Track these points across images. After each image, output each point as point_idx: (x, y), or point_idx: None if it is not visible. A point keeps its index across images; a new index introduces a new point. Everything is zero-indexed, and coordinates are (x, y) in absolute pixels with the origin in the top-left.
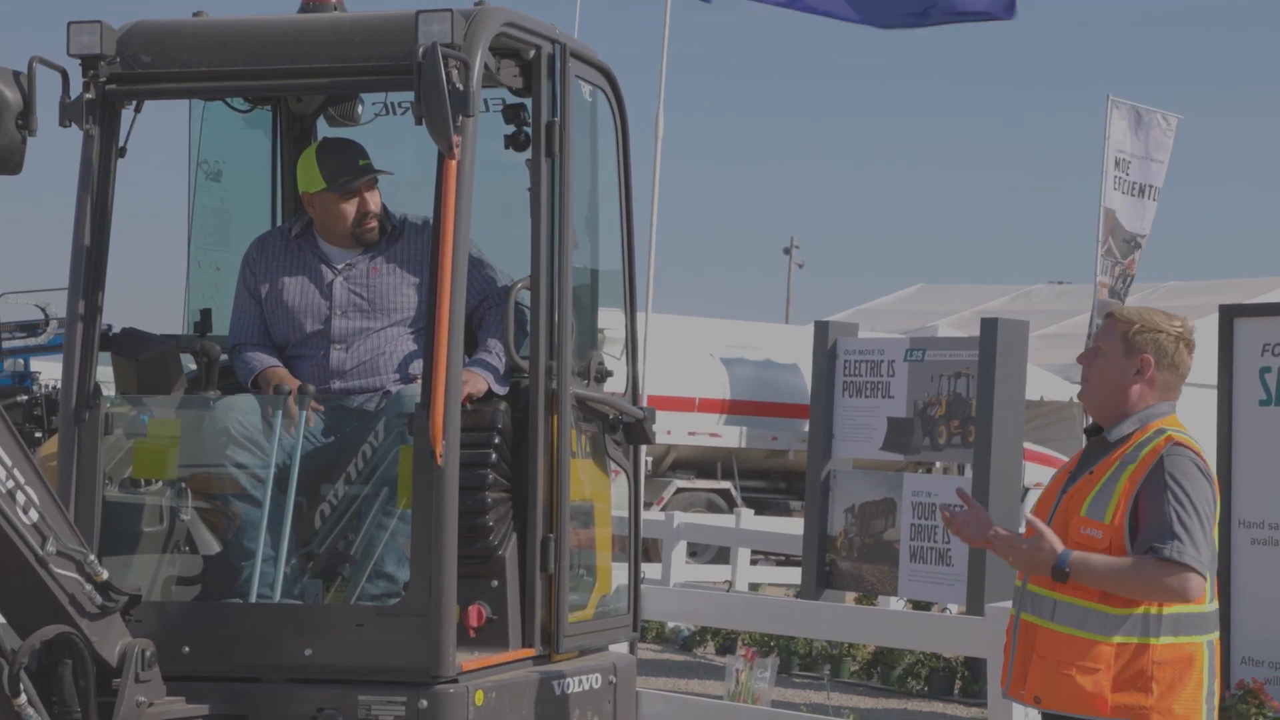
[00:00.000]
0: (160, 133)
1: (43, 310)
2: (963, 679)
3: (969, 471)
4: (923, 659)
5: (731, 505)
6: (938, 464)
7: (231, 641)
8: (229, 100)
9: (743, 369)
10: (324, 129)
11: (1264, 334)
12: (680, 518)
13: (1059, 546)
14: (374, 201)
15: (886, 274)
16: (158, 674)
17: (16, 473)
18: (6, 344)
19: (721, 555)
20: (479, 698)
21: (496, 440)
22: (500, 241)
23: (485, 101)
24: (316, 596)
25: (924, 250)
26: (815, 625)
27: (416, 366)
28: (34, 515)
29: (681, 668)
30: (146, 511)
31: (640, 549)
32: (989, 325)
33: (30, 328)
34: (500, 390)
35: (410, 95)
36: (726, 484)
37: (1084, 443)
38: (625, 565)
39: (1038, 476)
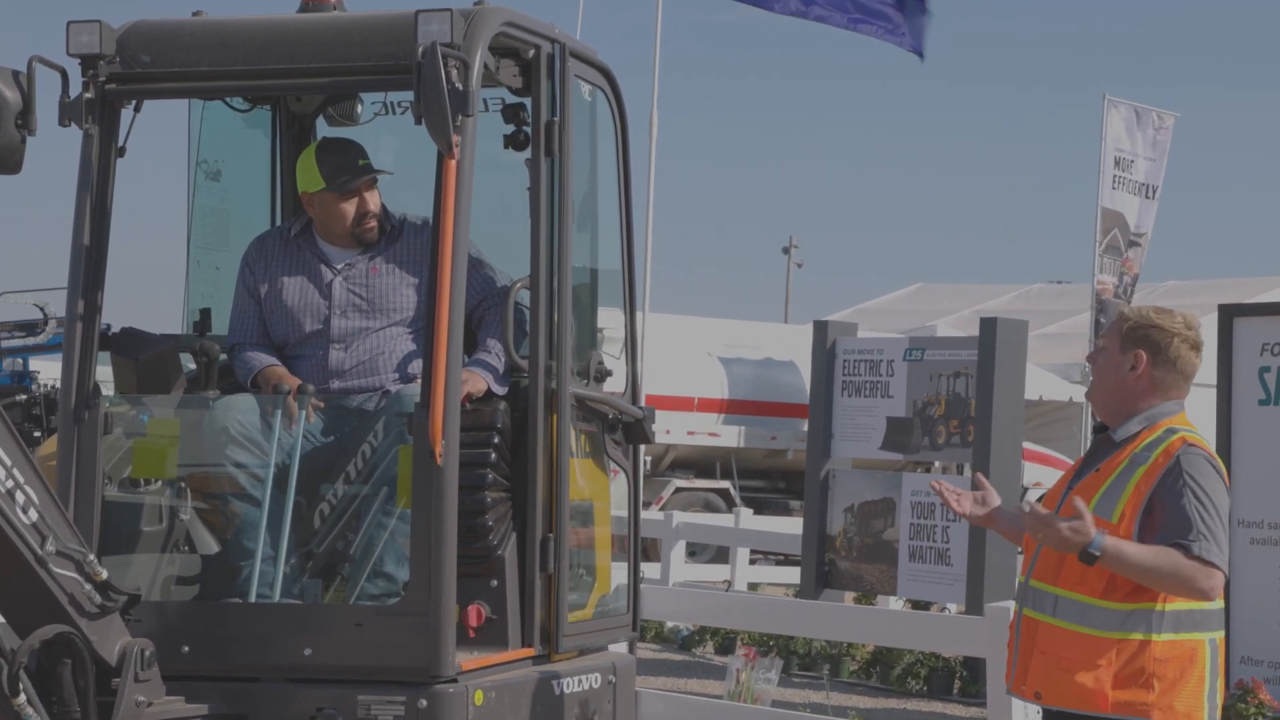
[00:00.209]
0: (159, 132)
1: (42, 310)
2: (962, 679)
3: (968, 471)
4: (922, 659)
5: (730, 505)
6: (937, 463)
7: (231, 641)
8: (228, 100)
9: (742, 368)
10: (323, 128)
11: (1263, 333)
12: (679, 517)
13: (1093, 531)
14: (373, 201)
15: (885, 273)
16: (157, 673)
17: (16, 472)
18: (5, 343)
19: (721, 555)
20: (478, 697)
21: (496, 440)
22: (500, 241)
23: (485, 101)
24: (316, 596)
25: (923, 250)
26: (814, 625)
27: (416, 366)
28: (33, 515)
29: (681, 667)
30: (146, 511)
31: (639, 548)
32: (988, 325)
33: (29, 327)
34: (500, 390)
35: (410, 95)
36: (725, 484)
37: (1090, 441)
38: (624, 565)
39: (1037, 476)
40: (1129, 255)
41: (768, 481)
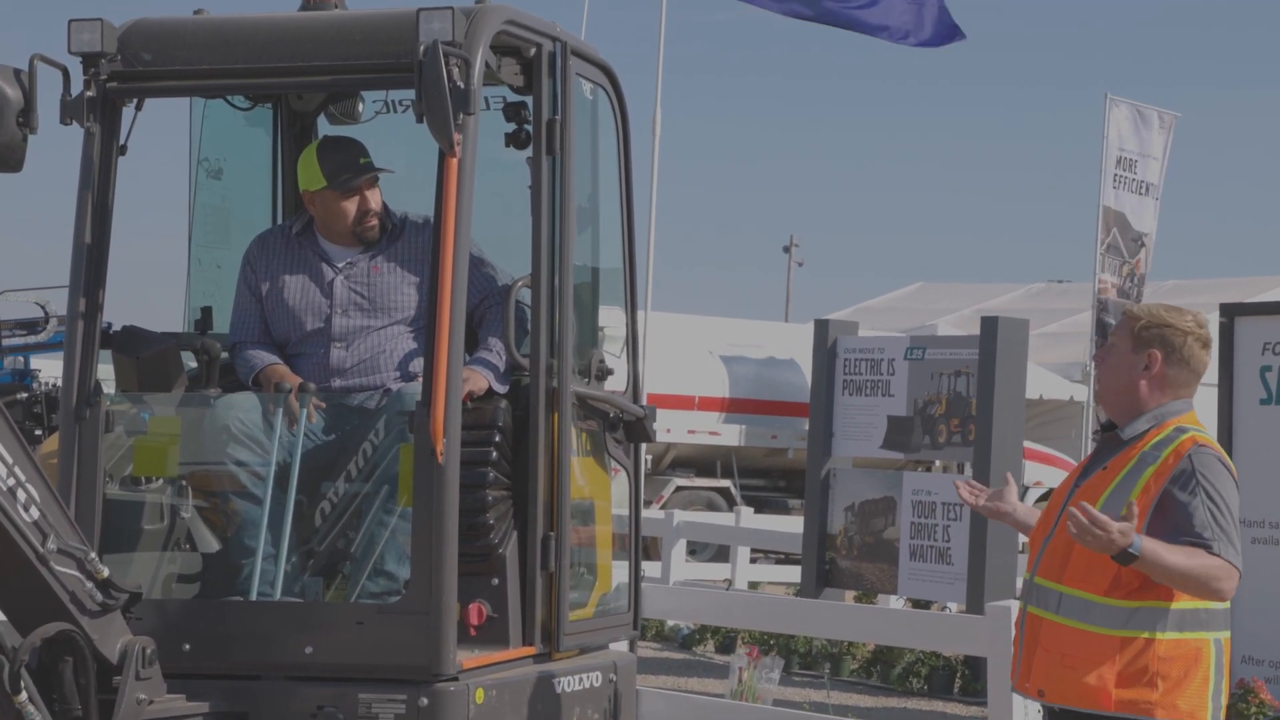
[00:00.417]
0: (161, 131)
1: (43, 308)
2: (963, 678)
3: (969, 470)
4: (922, 658)
5: (731, 504)
6: (937, 462)
7: (232, 639)
8: (230, 98)
9: (742, 367)
10: (324, 127)
11: (1264, 333)
12: (680, 516)
13: (1133, 534)
14: (375, 200)
15: (886, 272)
16: (158, 672)
17: (17, 470)
18: (6, 341)
19: (721, 553)
20: (479, 696)
21: (497, 438)
22: (501, 240)
23: (486, 99)
24: (317, 594)
25: (924, 248)
26: (815, 624)
27: (417, 365)
28: (35, 513)
29: (681, 666)
30: (147, 509)
31: (640, 547)
32: (989, 324)
33: (30, 325)
34: (501, 388)
35: (411, 93)
36: (726, 482)
37: (1093, 442)
38: (625, 563)
39: (1038, 475)
40: (1139, 256)
41: (768, 480)
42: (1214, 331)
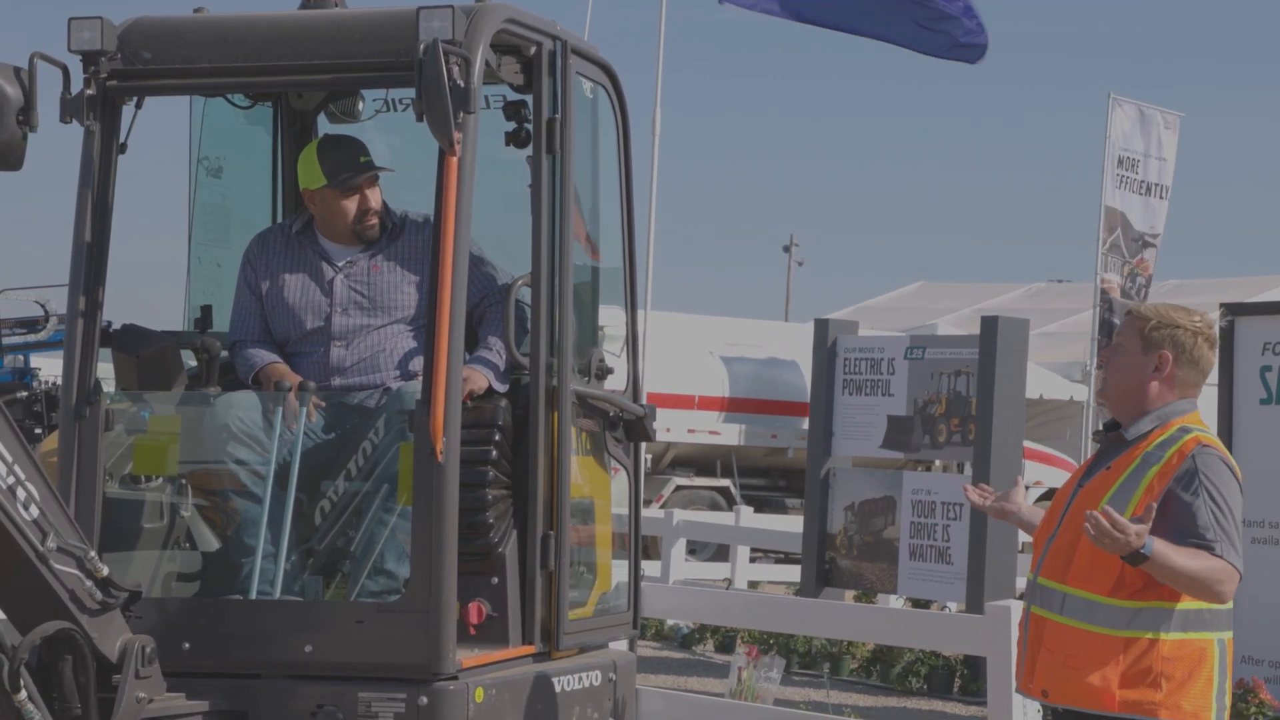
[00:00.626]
0: (161, 129)
1: (43, 306)
2: (962, 677)
3: (969, 470)
4: (922, 657)
5: (731, 503)
6: (937, 462)
7: (232, 638)
8: (230, 96)
9: (742, 367)
10: (325, 125)
11: (1265, 333)
12: (680, 515)
13: (1147, 535)
14: (375, 198)
15: (886, 272)
16: (158, 670)
17: (17, 469)
18: (6, 340)
19: (721, 553)
20: (479, 695)
21: (497, 437)
22: (501, 239)
23: (486, 98)
24: (316, 593)
25: (924, 248)
26: (815, 623)
27: (417, 363)
28: (34, 511)
29: (681, 665)
30: (147, 508)
31: (640, 546)
32: (989, 323)
33: (30, 324)
34: (501, 387)
35: (411, 92)
36: (726, 482)
37: (1093, 443)
38: (625, 562)
39: (1038, 475)
40: (1144, 256)
41: (768, 480)
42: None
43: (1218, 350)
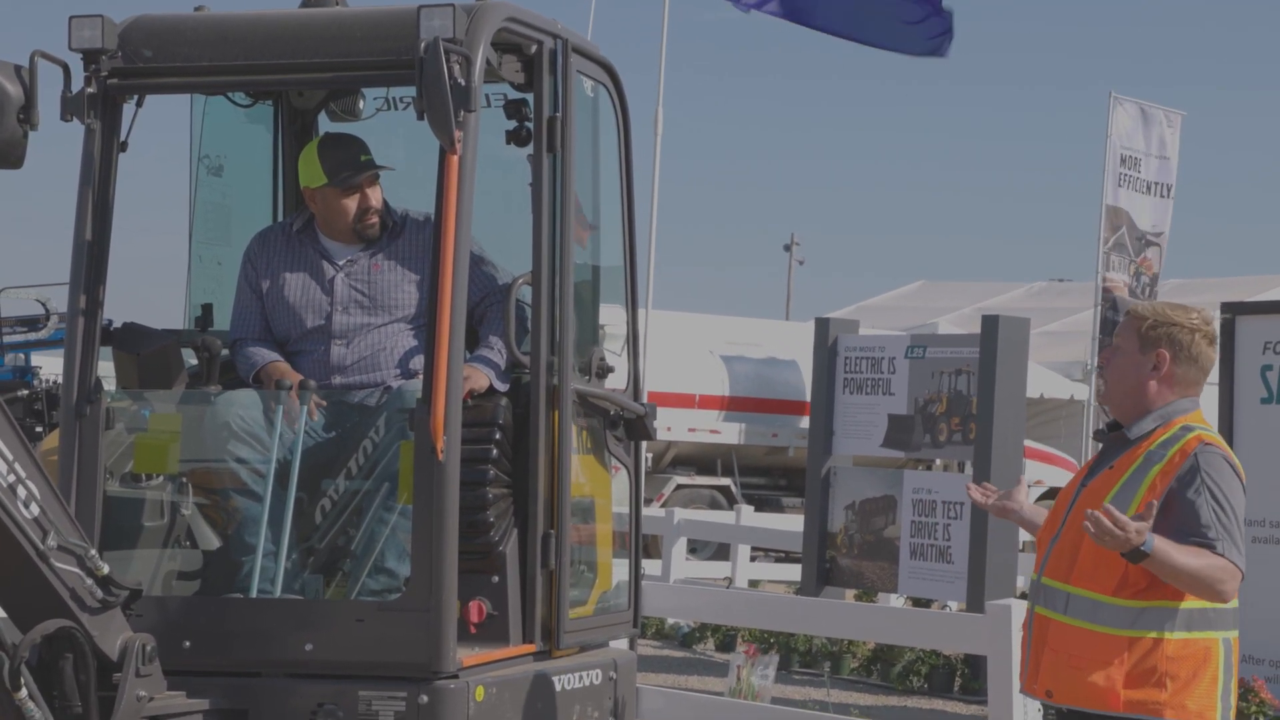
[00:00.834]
0: (161, 127)
1: (44, 305)
2: (963, 676)
3: (969, 469)
4: (923, 656)
5: (731, 502)
6: (938, 461)
7: (232, 636)
8: (230, 95)
9: (743, 366)
10: (325, 124)
11: (1265, 332)
12: (680, 514)
13: (1148, 532)
14: (375, 197)
15: (887, 271)
16: (158, 668)
17: (18, 467)
18: (7, 339)
19: (721, 552)
20: (479, 693)
21: (497, 436)
22: (502, 237)
23: (487, 97)
24: (317, 592)
25: (925, 247)
26: (815, 622)
27: (417, 362)
28: (35, 509)
29: (681, 664)
30: (147, 506)
31: (640, 545)
32: (990, 322)
33: (31, 322)
34: (501, 386)
35: (412, 90)
36: (727, 480)
37: (1093, 443)
38: (626, 561)
39: (1039, 474)
40: (1147, 255)
41: (769, 479)
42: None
43: (1218, 347)
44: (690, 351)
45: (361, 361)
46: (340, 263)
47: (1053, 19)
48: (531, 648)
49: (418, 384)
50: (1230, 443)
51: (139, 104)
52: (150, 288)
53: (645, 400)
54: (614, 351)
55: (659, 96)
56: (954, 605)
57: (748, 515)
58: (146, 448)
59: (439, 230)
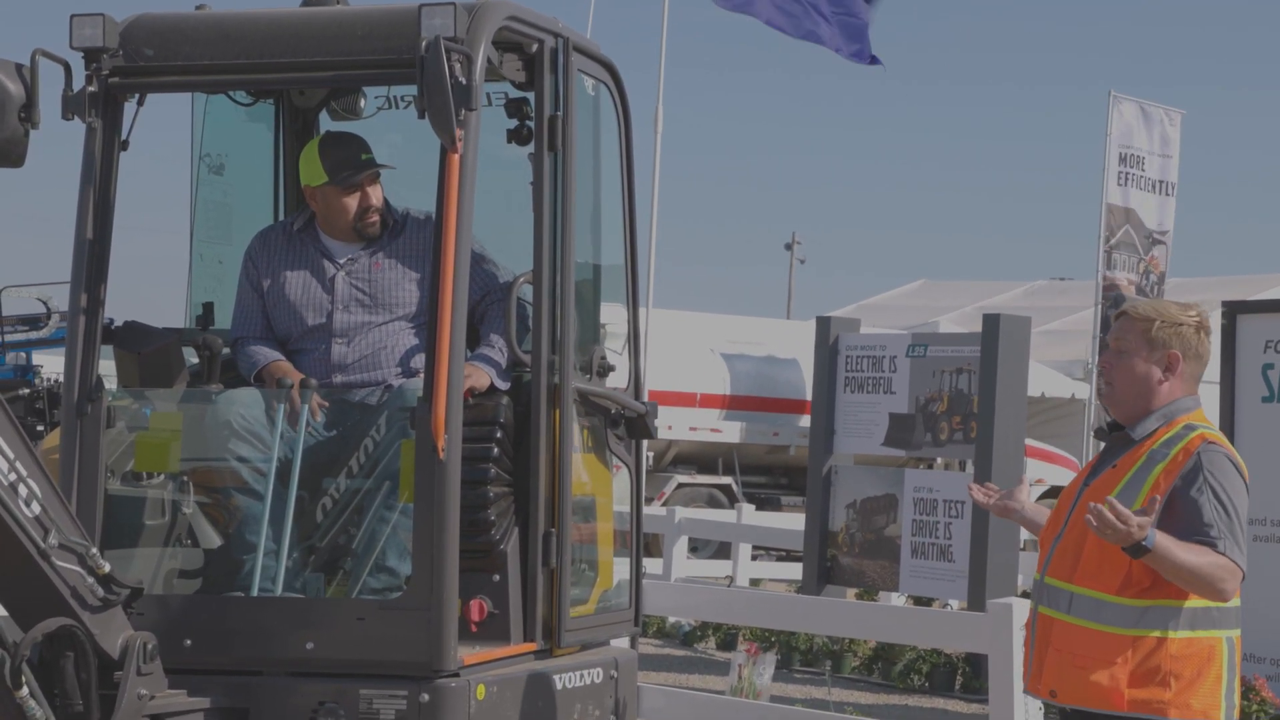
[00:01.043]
0: (162, 126)
1: (45, 304)
2: (964, 675)
3: (970, 467)
4: (924, 655)
5: (733, 501)
6: (939, 460)
7: (233, 635)
8: (231, 94)
9: (744, 364)
10: (326, 123)
11: (1267, 331)
12: (681, 513)
13: (1150, 528)
14: (376, 196)
15: (888, 269)
16: (159, 667)
17: (19, 465)
18: (9, 337)
19: (723, 550)
20: (480, 692)
21: (498, 434)
22: (502, 236)
23: (488, 96)
24: (318, 590)
25: (926, 246)
26: (816, 621)
27: (418, 361)
28: (36, 508)
29: (682, 663)
30: (148, 505)
31: (641, 544)
32: (991, 321)
33: (32, 321)
34: (502, 385)
35: (413, 89)
36: (728, 479)
37: (1094, 443)
38: (627, 560)
39: (1039, 473)
40: (1155, 253)
41: (770, 477)
42: (1215, 330)
43: (1219, 345)
44: (691, 350)
45: (362, 360)
46: (341, 261)
47: (1053, 18)
48: (532, 646)
49: (419, 382)
50: (1231, 442)
51: (140, 103)
52: (151, 286)
53: (646, 399)
54: (615, 350)
55: (659, 94)
56: (955, 604)
57: (749, 514)
58: (147, 446)
59: (440, 229)
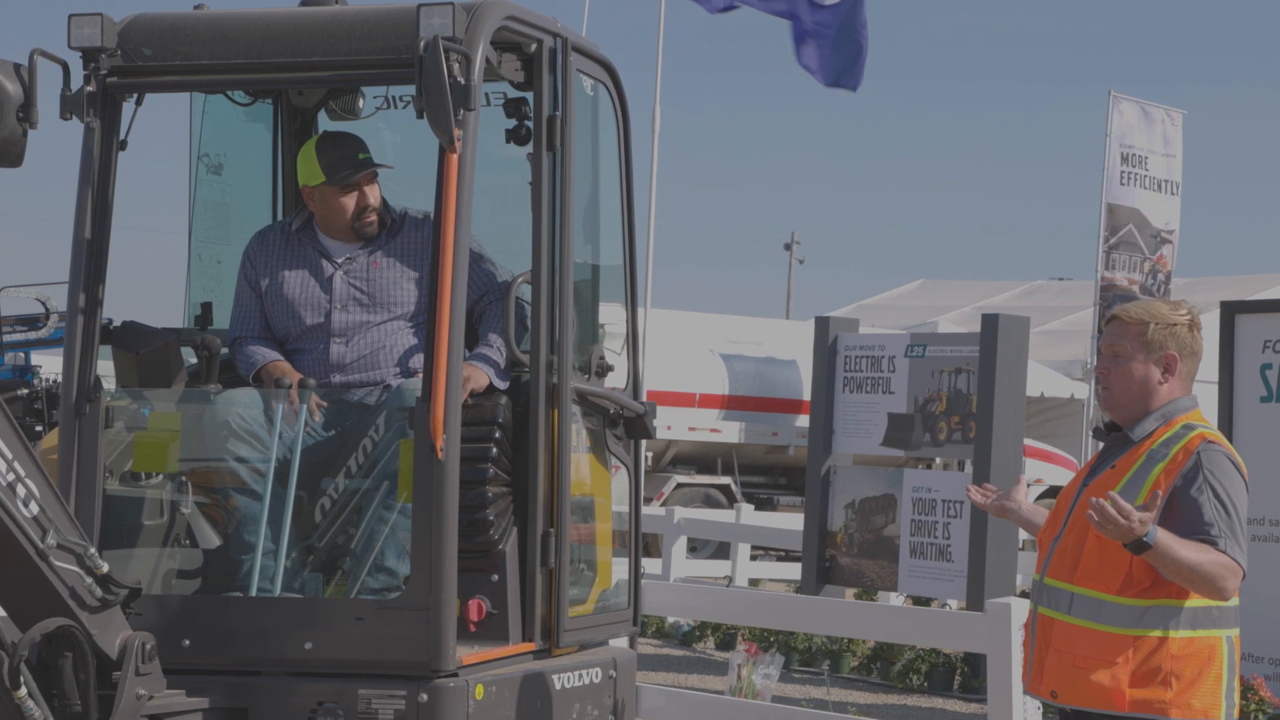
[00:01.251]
0: (161, 126)
1: (43, 304)
2: (962, 674)
3: (969, 467)
4: (922, 654)
5: (731, 501)
6: (938, 460)
7: (232, 635)
8: (230, 93)
9: (743, 364)
10: (325, 122)
11: (1265, 331)
12: (680, 513)
13: (1150, 524)
14: (373, 195)
15: (887, 269)
16: (158, 667)
17: (17, 465)
18: (7, 338)
19: (721, 550)
20: (479, 692)
21: (497, 434)
22: (501, 236)
23: (486, 95)
24: (317, 590)
25: (925, 245)
26: (815, 620)
27: (417, 361)
28: (34, 508)
29: (681, 663)
30: (147, 505)
31: (640, 544)
32: (990, 321)
33: (31, 321)
34: (501, 385)
35: (411, 89)
36: (726, 479)
37: (1092, 442)
38: (625, 560)
39: (1038, 473)
40: (1162, 252)
41: (769, 477)
42: (1214, 329)
43: (1218, 345)
44: (690, 350)
45: (361, 360)
46: (339, 261)
47: (1053, 17)
48: (531, 646)
49: (417, 382)
50: (1230, 441)
51: (138, 102)
52: (150, 286)
53: (645, 399)
54: (614, 350)
55: (656, 94)
56: (954, 604)
57: (748, 514)
58: (146, 446)
59: (438, 228)
